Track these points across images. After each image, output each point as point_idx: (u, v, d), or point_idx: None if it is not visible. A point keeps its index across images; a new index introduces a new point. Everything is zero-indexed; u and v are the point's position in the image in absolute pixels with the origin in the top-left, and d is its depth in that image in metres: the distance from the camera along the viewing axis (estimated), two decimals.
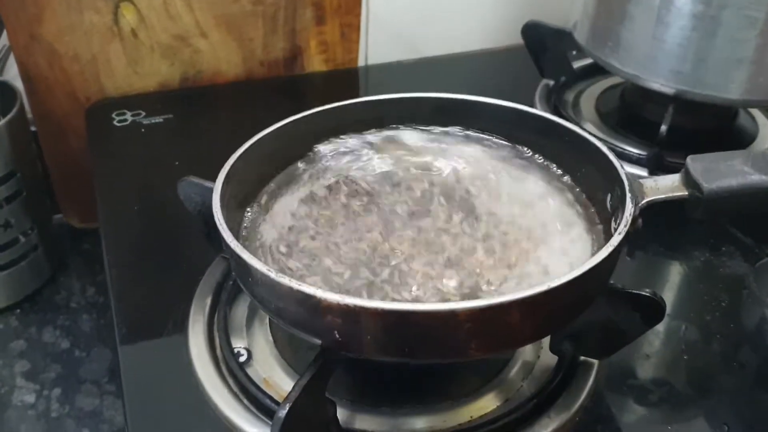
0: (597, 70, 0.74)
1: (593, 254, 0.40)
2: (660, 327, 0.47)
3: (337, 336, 0.35)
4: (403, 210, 0.45)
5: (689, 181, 0.40)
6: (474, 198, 0.46)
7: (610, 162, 0.42)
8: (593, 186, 0.45)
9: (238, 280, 0.41)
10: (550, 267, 0.41)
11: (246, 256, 0.36)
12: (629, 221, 0.38)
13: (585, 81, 0.76)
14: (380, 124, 0.51)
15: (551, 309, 0.36)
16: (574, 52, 0.73)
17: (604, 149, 0.44)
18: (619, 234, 0.37)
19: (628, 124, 0.68)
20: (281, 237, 0.43)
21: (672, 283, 0.55)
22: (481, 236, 0.43)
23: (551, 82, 0.74)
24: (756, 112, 0.71)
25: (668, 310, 0.43)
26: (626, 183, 0.40)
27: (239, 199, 0.45)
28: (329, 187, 0.47)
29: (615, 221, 0.41)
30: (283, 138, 0.47)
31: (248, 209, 0.46)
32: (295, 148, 0.49)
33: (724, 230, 0.57)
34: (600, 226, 0.44)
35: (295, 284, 0.34)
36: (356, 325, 0.34)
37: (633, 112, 0.70)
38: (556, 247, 0.42)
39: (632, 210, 0.38)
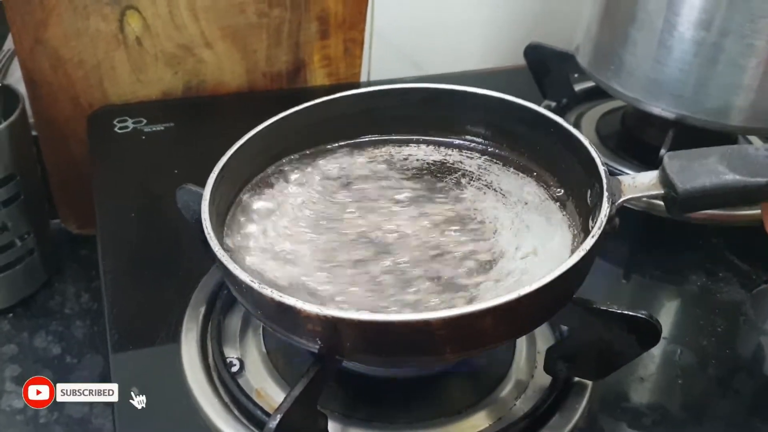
0: (598, 93, 0.74)
1: (573, 249, 0.41)
2: (655, 350, 0.47)
3: (319, 342, 0.35)
4: (386, 201, 0.46)
5: (665, 180, 0.40)
6: (461, 190, 0.48)
7: (591, 157, 0.42)
8: (575, 180, 0.45)
9: (227, 285, 0.42)
10: (530, 265, 0.41)
11: (231, 266, 0.37)
12: (603, 223, 0.38)
13: (586, 104, 0.76)
14: (369, 117, 0.51)
15: (523, 313, 0.36)
16: (576, 75, 0.74)
17: (587, 143, 0.43)
18: (593, 237, 0.37)
19: (628, 148, 0.69)
20: (266, 230, 0.44)
21: (668, 307, 0.55)
22: (465, 229, 0.44)
23: (552, 104, 0.74)
24: (755, 140, 0.71)
25: (664, 333, 0.43)
26: (604, 180, 0.40)
27: (231, 195, 0.46)
28: (313, 181, 0.48)
29: (592, 219, 0.41)
30: (275, 133, 0.48)
31: (241, 200, 0.47)
32: (287, 142, 0.50)
33: (721, 255, 0.57)
34: (579, 219, 0.44)
35: (276, 296, 0.35)
36: (336, 334, 0.35)
37: (633, 135, 0.70)
38: (538, 241, 0.43)
39: (608, 210, 0.38)
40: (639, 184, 0.41)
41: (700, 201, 0.39)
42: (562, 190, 0.47)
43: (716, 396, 0.47)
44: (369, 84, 0.81)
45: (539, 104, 0.73)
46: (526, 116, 0.48)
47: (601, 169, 0.41)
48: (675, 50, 0.58)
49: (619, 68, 0.62)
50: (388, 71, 0.81)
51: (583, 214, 0.44)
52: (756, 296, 0.54)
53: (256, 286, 0.35)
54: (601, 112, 0.76)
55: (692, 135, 0.62)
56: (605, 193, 0.39)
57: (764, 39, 0.55)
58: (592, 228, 0.38)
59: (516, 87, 0.80)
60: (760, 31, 0.55)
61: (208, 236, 0.38)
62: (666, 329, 0.51)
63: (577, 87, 0.76)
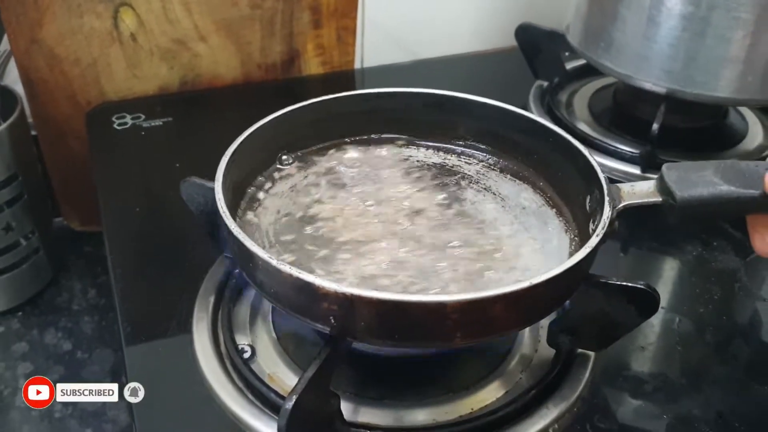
0: (589, 71, 0.75)
1: (571, 252, 0.43)
2: (654, 320, 0.48)
3: (333, 321, 0.36)
4: (385, 197, 0.47)
5: (664, 189, 0.41)
6: (461, 191, 0.49)
7: (591, 166, 0.44)
8: (572, 187, 0.47)
9: (238, 266, 0.42)
10: (530, 264, 0.43)
11: (248, 243, 0.37)
12: (606, 224, 0.39)
13: (578, 81, 0.77)
14: (372, 116, 0.52)
15: (531, 303, 0.37)
16: (567, 54, 0.74)
17: (586, 153, 0.45)
18: (597, 236, 0.39)
19: (620, 124, 0.69)
20: (277, 220, 0.45)
21: (666, 277, 0.56)
22: (465, 229, 0.45)
23: (545, 83, 0.75)
24: (746, 111, 0.72)
25: (662, 303, 0.44)
26: (605, 187, 0.42)
27: (237, 185, 0.46)
28: (319, 173, 0.50)
29: (593, 222, 0.43)
30: (280, 127, 0.49)
31: (247, 192, 0.47)
32: (291, 137, 0.50)
33: (716, 225, 0.58)
34: (575, 224, 0.46)
35: (294, 272, 0.35)
36: (351, 312, 0.35)
37: (625, 111, 0.71)
38: (537, 245, 0.44)
39: (609, 213, 0.40)
40: (638, 191, 0.42)
41: (697, 210, 0.40)
42: (559, 197, 0.48)
43: (715, 362, 0.48)
44: (363, 71, 0.82)
45: (532, 84, 0.75)
46: (525, 125, 0.49)
47: (601, 176, 0.42)
48: (663, 26, 0.59)
49: (610, 45, 0.63)
50: (381, 57, 0.82)
51: (579, 219, 0.45)
52: (750, 263, 0.55)
53: (274, 262, 0.36)
54: (593, 89, 0.76)
55: (683, 108, 0.64)
56: (606, 198, 0.41)
57: (750, 11, 0.56)
58: (594, 230, 0.39)
59: (508, 68, 0.82)
60: (746, 4, 0.56)
61: (223, 215, 0.39)
62: (664, 299, 0.52)
63: (569, 65, 0.76)
